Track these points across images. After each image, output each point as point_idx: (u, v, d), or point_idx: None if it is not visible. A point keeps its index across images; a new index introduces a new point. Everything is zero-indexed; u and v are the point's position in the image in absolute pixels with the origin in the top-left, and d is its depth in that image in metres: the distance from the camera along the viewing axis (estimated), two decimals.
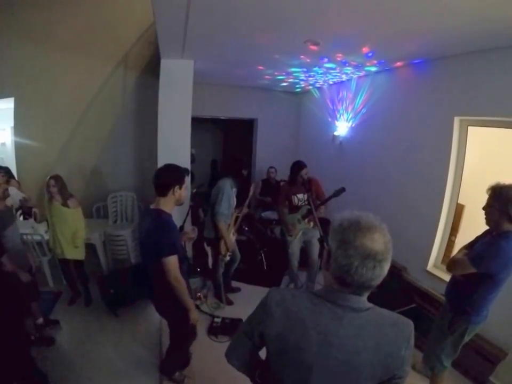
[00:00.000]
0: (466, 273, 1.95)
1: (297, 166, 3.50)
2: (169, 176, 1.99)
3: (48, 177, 3.19)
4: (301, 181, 3.43)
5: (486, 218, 1.93)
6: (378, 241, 0.86)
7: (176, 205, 2.08)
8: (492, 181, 1.94)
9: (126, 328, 3.28)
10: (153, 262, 1.97)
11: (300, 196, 3.58)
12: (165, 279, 1.95)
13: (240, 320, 3.17)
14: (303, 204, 3.56)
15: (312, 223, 3.47)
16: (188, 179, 2.05)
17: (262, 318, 1.02)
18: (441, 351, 2.19)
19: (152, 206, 2.03)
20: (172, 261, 1.93)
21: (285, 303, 0.99)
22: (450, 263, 2.10)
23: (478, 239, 2.09)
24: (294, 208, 3.60)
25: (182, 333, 2.31)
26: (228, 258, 3.38)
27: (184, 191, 2.06)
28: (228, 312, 3.41)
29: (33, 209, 4.33)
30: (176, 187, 1.98)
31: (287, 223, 3.63)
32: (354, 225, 0.88)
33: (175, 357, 2.49)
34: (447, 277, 3.08)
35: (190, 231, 2.46)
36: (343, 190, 3.19)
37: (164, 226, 1.94)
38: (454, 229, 3.28)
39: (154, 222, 1.95)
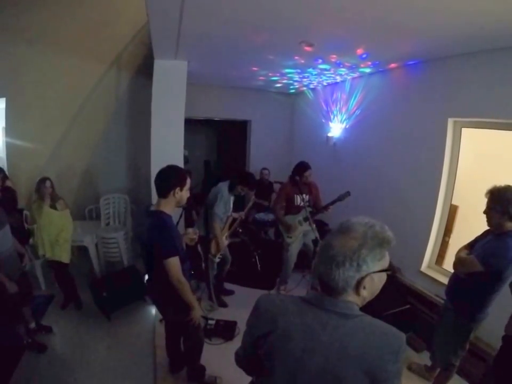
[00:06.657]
0: (470, 272, 1.96)
1: (303, 167, 3.47)
2: (171, 178, 1.97)
3: (42, 178, 3.14)
4: (303, 182, 3.41)
5: (487, 220, 1.97)
6: (346, 244, 0.88)
7: (176, 206, 2.07)
8: (485, 182, 1.97)
9: (119, 331, 3.24)
10: (155, 264, 1.96)
11: (304, 196, 3.53)
12: (167, 280, 1.94)
13: (234, 322, 3.15)
14: (305, 204, 3.53)
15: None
16: (189, 181, 2.05)
17: (253, 324, 1.05)
18: (449, 352, 2.20)
19: (152, 208, 2.03)
20: (173, 263, 1.92)
21: (273, 308, 1.00)
22: (457, 262, 2.11)
23: (477, 239, 2.12)
24: (295, 209, 3.54)
25: (190, 336, 2.32)
26: (217, 259, 3.36)
27: (186, 193, 2.04)
28: (222, 314, 3.38)
29: (24, 212, 4.26)
30: (177, 189, 1.97)
31: (288, 224, 3.55)
32: (334, 229, 0.95)
33: (195, 365, 2.51)
34: (441, 278, 3.12)
35: (192, 231, 2.43)
36: (348, 194, 3.17)
37: (164, 228, 1.93)
38: (448, 230, 3.30)
39: (154, 223, 1.95)
